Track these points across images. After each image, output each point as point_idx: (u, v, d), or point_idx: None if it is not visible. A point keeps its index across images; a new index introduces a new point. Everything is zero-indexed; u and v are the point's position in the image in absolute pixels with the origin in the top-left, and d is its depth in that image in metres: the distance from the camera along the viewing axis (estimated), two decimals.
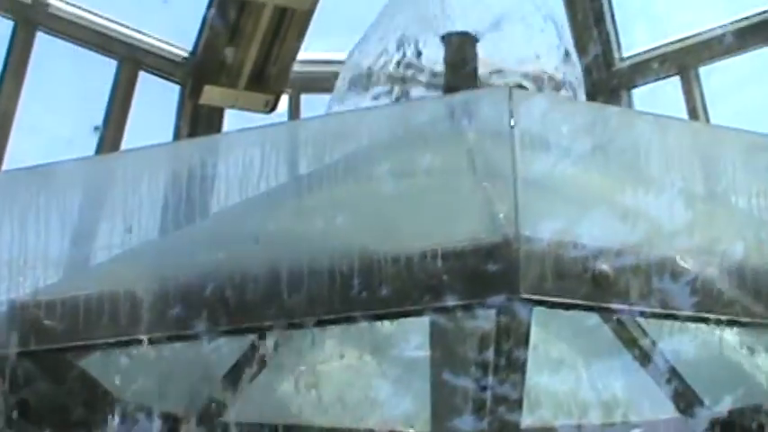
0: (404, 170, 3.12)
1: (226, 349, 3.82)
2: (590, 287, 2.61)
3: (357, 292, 2.69)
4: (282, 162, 3.08)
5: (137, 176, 3.19)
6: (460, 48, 4.38)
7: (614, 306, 2.65)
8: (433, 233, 2.78)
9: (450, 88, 4.31)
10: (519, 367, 2.78)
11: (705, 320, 2.75)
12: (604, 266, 2.62)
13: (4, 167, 7.23)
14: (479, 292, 2.58)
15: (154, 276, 3.05)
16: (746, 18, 7.80)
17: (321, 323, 2.80)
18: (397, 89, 4.41)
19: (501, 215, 2.67)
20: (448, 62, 4.38)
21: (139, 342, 2.91)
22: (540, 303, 2.57)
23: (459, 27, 4.41)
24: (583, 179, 3.02)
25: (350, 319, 2.78)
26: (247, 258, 3.01)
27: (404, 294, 2.63)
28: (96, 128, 7.13)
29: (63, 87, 7.94)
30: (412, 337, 3.76)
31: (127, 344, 2.99)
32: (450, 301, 2.60)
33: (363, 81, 4.44)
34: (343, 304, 2.71)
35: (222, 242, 3.20)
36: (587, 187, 3.02)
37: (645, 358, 3.93)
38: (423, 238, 2.73)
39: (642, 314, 2.90)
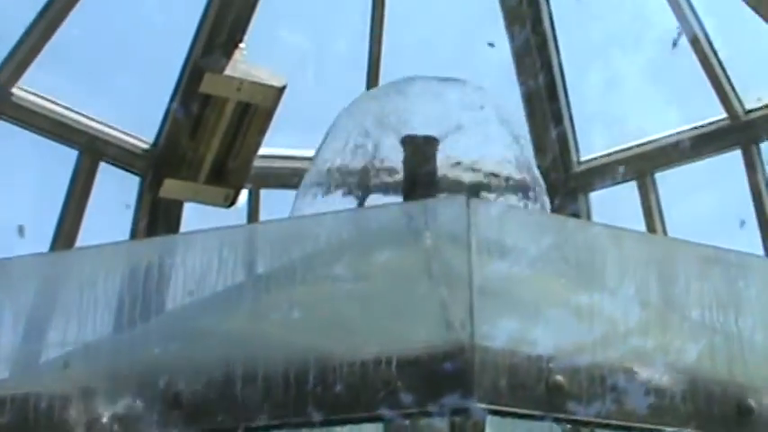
0: (361, 274, 3.13)
1: None
2: (544, 396, 2.62)
3: (311, 396, 2.69)
4: (239, 263, 3.09)
5: (92, 274, 3.18)
6: (420, 150, 4.42)
7: (568, 417, 2.66)
8: (389, 338, 2.79)
9: (409, 191, 4.35)
10: None
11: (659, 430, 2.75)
12: (558, 376, 2.64)
13: None
14: (433, 400, 2.58)
15: (106, 374, 3.04)
16: (702, 126, 7.94)
17: (274, 426, 2.78)
18: (357, 190, 4.44)
19: (456, 322, 2.68)
20: (407, 164, 4.42)
21: None
22: (495, 412, 2.58)
23: (419, 130, 4.46)
24: (538, 286, 3.05)
25: (303, 423, 2.76)
26: (202, 357, 3.01)
27: (358, 399, 2.63)
28: (20, 228, 7.01)
29: (23, 176, 7.93)
30: None
31: None
32: (404, 408, 2.60)
33: (325, 182, 4.47)
34: (296, 407, 2.71)
35: (176, 341, 3.19)
36: (542, 294, 3.04)
37: None
38: (378, 342, 2.74)
39: (596, 425, 2.90)
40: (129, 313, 3.15)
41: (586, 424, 2.80)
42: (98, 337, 3.18)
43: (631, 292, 3.07)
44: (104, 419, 2.88)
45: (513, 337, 2.72)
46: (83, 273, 3.26)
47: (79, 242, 7.65)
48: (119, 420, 2.89)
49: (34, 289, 3.34)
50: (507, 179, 4.35)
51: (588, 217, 8.19)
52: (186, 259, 3.19)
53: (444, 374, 2.59)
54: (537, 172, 4.35)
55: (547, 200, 4.33)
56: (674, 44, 7.57)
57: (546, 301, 3.00)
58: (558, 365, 2.64)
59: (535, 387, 2.62)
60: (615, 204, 8.38)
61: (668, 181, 8.10)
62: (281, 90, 7.34)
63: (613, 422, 2.71)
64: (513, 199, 4.25)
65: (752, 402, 2.85)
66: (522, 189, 4.34)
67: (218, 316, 3.18)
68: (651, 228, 7.86)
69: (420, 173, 4.35)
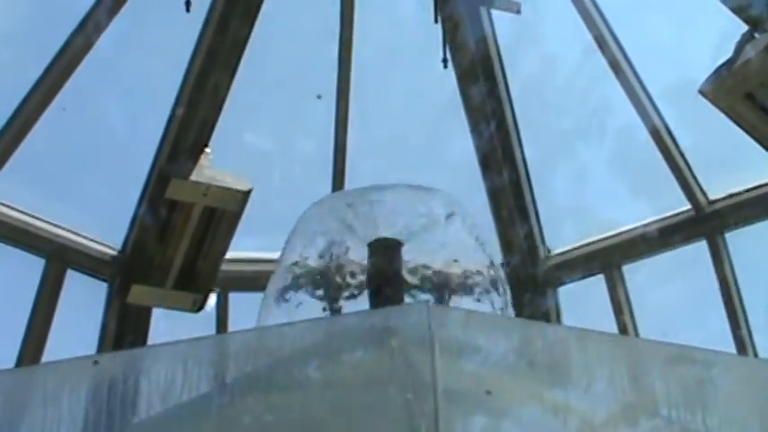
0: (327, 381, 3.13)
1: None
2: None
3: None
4: (205, 375, 3.09)
5: (57, 389, 3.17)
6: (386, 253, 4.44)
7: None
8: None
9: (374, 294, 4.36)
10: None
11: None
12: None
13: None
14: None
15: None
16: (667, 217, 8.00)
17: None
18: (322, 293, 4.45)
19: (423, 429, 2.68)
20: (373, 267, 4.44)
21: None
22: None
23: (383, 232, 4.49)
24: (501, 388, 3.05)
25: None
26: None
27: None
28: None
29: None
30: None
31: None
32: None
33: (289, 287, 4.48)
34: None
35: None
36: (507, 396, 3.04)
37: None
38: None
39: None
40: (94, 428, 3.13)
41: None
42: None
43: (598, 391, 3.07)
44: None
45: None
46: (48, 388, 3.24)
47: (48, 349, 7.59)
48: None
49: (2, 404, 3.32)
50: (472, 282, 4.38)
51: (557, 312, 8.21)
52: (152, 372, 3.18)
53: None
54: (501, 273, 4.37)
55: (509, 301, 4.35)
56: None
57: (512, 402, 3.00)
58: None
59: None
60: (584, 298, 8.40)
61: (636, 273, 8.14)
62: (247, 194, 7.37)
63: None
64: (475, 301, 4.27)
65: None
66: (486, 290, 4.37)
67: (186, 428, 3.16)
68: (620, 320, 7.88)
69: (385, 276, 4.37)
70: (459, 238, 4.50)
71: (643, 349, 3.30)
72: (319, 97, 7.98)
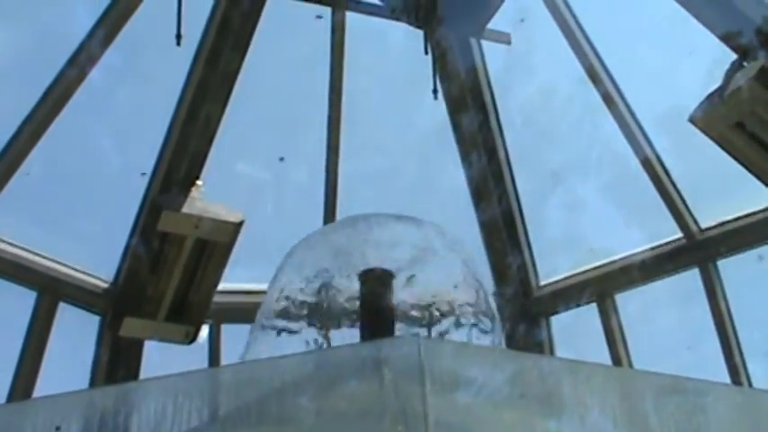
0: (318, 414, 3.12)
1: None
2: None
3: None
4: (196, 409, 3.08)
5: (49, 424, 3.15)
6: (377, 284, 4.44)
7: None
8: None
9: (366, 325, 4.36)
10: None
11: None
12: None
13: None
14: None
15: None
16: (659, 246, 8.01)
17: None
18: (313, 325, 4.45)
19: None
20: (364, 299, 4.43)
21: None
22: None
23: (374, 263, 4.49)
24: (493, 421, 3.04)
25: None
26: None
27: None
28: None
29: None
30: None
31: None
32: None
33: (280, 318, 4.47)
34: None
35: None
36: (499, 428, 3.04)
37: None
38: None
39: None
40: None
41: None
42: None
43: (591, 422, 3.07)
44: None
45: None
46: (39, 423, 3.23)
47: (40, 382, 7.57)
48: None
49: None
50: (463, 313, 4.38)
51: (550, 342, 8.21)
52: (144, 406, 3.17)
53: None
54: (493, 303, 4.37)
55: (500, 332, 4.34)
56: None
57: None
58: None
59: None
60: (577, 327, 8.41)
61: (629, 301, 8.15)
62: (239, 226, 7.37)
63: None
64: (467, 332, 4.27)
65: None
66: (478, 322, 4.36)
67: None
68: (613, 350, 7.88)
69: (376, 307, 4.36)
70: (450, 269, 4.50)
71: (636, 380, 3.29)
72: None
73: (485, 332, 4.38)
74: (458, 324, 4.35)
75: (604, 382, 3.11)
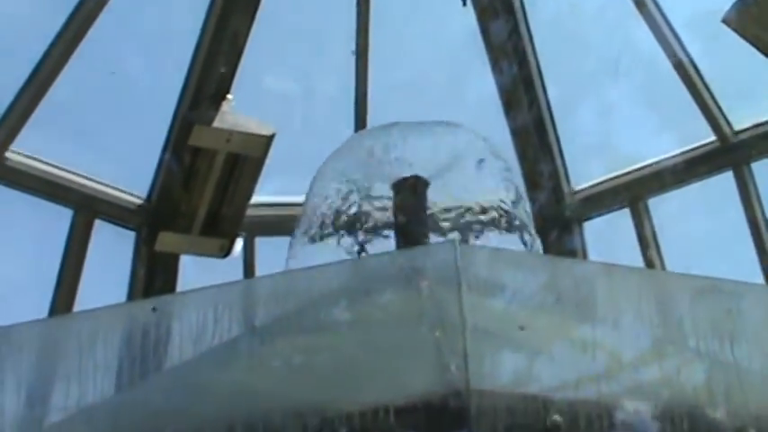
0: (356, 323, 3.15)
1: None
2: None
3: None
4: (235, 319, 3.12)
5: (91, 337, 3.21)
6: (412, 192, 4.45)
7: None
8: (387, 386, 2.80)
9: (401, 233, 4.38)
10: None
11: None
12: (556, 417, 2.66)
13: None
14: None
15: None
16: (692, 150, 7.97)
17: None
18: (350, 235, 4.47)
19: (452, 366, 2.70)
20: (399, 207, 4.45)
21: None
22: None
23: (409, 170, 4.49)
24: (530, 325, 3.07)
25: None
26: (202, 412, 3.03)
27: None
28: None
29: (20, 236, 7.96)
30: None
31: None
32: None
33: (317, 228, 4.50)
34: None
35: (177, 397, 3.21)
36: (535, 333, 3.06)
37: None
38: (376, 391, 2.76)
39: None
40: (128, 373, 3.18)
41: None
42: (99, 398, 3.20)
43: (626, 326, 3.09)
44: None
45: (509, 378, 2.74)
46: (82, 336, 3.28)
47: (79, 299, 7.67)
48: None
49: (36, 354, 3.37)
50: (498, 217, 4.39)
51: (583, 247, 8.21)
52: (183, 318, 3.22)
53: (442, 420, 2.61)
54: (528, 207, 4.38)
55: (536, 237, 4.36)
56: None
57: (540, 339, 3.02)
58: (556, 405, 2.66)
59: (533, 428, 2.64)
60: (610, 232, 8.40)
61: (662, 206, 8.13)
62: (270, 139, 7.38)
63: None
64: (503, 237, 4.28)
65: (751, 430, 2.86)
66: (513, 226, 4.38)
67: (217, 371, 3.20)
68: (647, 255, 7.88)
69: (411, 215, 4.38)
70: (485, 174, 4.50)
71: (671, 282, 3.31)
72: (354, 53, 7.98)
73: (520, 238, 4.40)
74: (492, 229, 4.37)
75: (639, 285, 3.13)
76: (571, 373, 2.87)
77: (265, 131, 7.39)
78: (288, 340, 3.14)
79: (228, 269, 7.84)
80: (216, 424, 2.90)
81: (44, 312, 7.52)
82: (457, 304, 2.72)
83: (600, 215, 8.27)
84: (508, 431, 2.61)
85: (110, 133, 8.04)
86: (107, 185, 7.79)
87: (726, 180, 7.92)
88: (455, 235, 4.38)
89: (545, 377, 2.82)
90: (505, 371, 2.84)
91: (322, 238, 4.51)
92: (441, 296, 2.90)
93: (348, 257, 4.24)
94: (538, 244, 4.47)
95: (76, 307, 7.62)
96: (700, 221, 8.27)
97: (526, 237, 4.37)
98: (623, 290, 3.13)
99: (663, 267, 7.91)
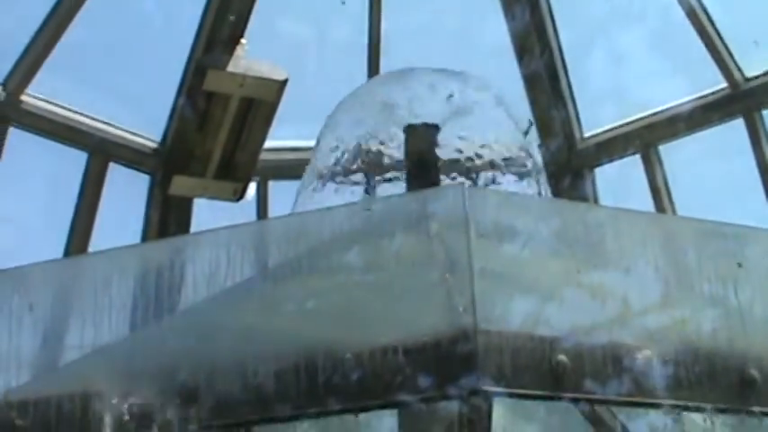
0: (366, 265, 3.21)
1: None
2: (548, 377, 2.69)
3: (323, 386, 2.77)
4: (248, 260, 3.17)
5: (106, 277, 3.27)
6: (422, 137, 4.49)
7: (573, 395, 2.73)
8: (396, 326, 2.86)
9: (412, 177, 4.42)
10: None
11: (662, 406, 2.83)
12: (562, 357, 2.71)
13: None
14: (440, 386, 2.66)
15: (123, 373, 3.12)
16: (703, 96, 7.98)
17: (286, 418, 2.87)
18: (360, 179, 4.52)
19: (460, 307, 2.75)
20: (410, 152, 4.49)
21: None
22: (499, 394, 2.65)
23: (420, 116, 4.53)
24: (538, 269, 3.12)
25: (318, 413, 2.85)
26: (216, 353, 3.09)
27: (367, 389, 2.71)
28: None
29: (35, 179, 8.03)
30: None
31: None
32: (414, 395, 2.68)
33: (328, 172, 4.54)
34: (310, 398, 2.79)
35: (191, 337, 3.27)
36: (544, 277, 3.12)
37: None
38: (385, 331, 2.82)
39: (601, 402, 2.98)
40: (143, 314, 3.24)
41: (590, 402, 2.88)
42: (114, 338, 3.27)
43: (631, 269, 3.14)
44: (123, 418, 2.97)
45: (516, 319, 2.80)
46: (97, 277, 3.34)
47: (93, 241, 7.76)
48: (137, 418, 2.97)
49: (51, 294, 3.43)
50: (506, 162, 4.43)
51: (595, 194, 8.25)
52: (197, 259, 3.28)
53: (450, 360, 2.67)
54: (537, 154, 4.42)
55: (545, 182, 4.40)
56: None
57: (547, 281, 3.07)
58: (562, 345, 2.71)
59: (539, 368, 2.69)
60: (621, 179, 8.44)
61: (673, 153, 8.15)
62: (283, 83, 7.42)
63: (616, 399, 2.79)
64: (512, 181, 4.33)
65: (754, 373, 2.91)
66: (521, 171, 4.42)
67: (231, 311, 3.26)
68: (657, 201, 7.92)
69: (422, 160, 4.42)
70: (493, 120, 4.54)
71: (679, 227, 3.35)
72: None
73: (530, 182, 4.44)
74: (502, 174, 4.41)
75: (648, 229, 3.17)
76: (578, 316, 2.93)
77: (278, 76, 7.43)
78: (299, 282, 3.20)
79: (242, 213, 7.92)
80: (227, 365, 2.95)
81: (59, 256, 7.61)
82: (465, 247, 2.77)
83: (611, 161, 8.30)
84: (515, 371, 2.66)
85: (124, 77, 8.09)
86: (122, 129, 7.85)
87: (737, 127, 7.94)
88: (464, 179, 4.43)
89: (552, 319, 2.87)
90: (513, 313, 2.89)
91: (332, 181, 4.56)
92: (449, 239, 2.94)
93: (357, 200, 4.29)
94: (547, 189, 4.51)
95: (91, 250, 7.70)
96: (711, 168, 8.29)
97: (535, 182, 4.42)
98: (632, 233, 3.18)
99: (674, 213, 7.96)
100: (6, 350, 3.20)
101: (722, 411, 2.92)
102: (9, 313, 3.24)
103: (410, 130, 4.50)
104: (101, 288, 3.27)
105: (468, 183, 4.32)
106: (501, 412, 3.77)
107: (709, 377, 2.88)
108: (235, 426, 3.17)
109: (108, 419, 2.97)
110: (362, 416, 3.98)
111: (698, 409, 2.90)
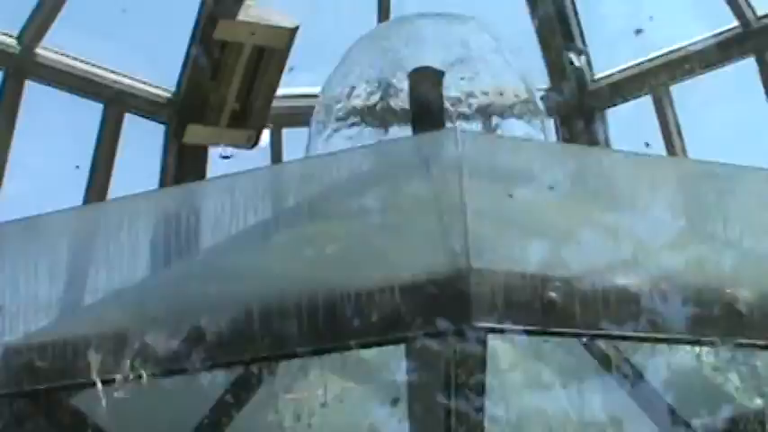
0: (368, 208, 3.31)
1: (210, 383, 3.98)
2: (539, 314, 2.79)
3: (322, 326, 2.88)
4: (258, 205, 3.28)
5: (122, 224, 3.37)
6: (427, 82, 4.57)
7: (562, 330, 2.83)
8: (395, 266, 2.96)
9: (417, 122, 4.51)
10: (478, 391, 2.96)
11: (647, 340, 2.93)
12: (552, 294, 2.80)
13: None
14: (435, 323, 2.76)
15: (138, 316, 3.23)
16: (713, 36, 7.98)
17: (288, 356, 2.98)
18: (366, 123, 4.60)
19: (455, 247, 2.85)
20: (414, 96, 4.57)
21: (125, 380, 3.08)
22: (492, 330, 2.75)
23: (427, 61, 4.61)
24: (530, 210, 3.21)
25: (315, 351, 2.96)
26: (226, 294, 3.20)
27: (365, 326, 2.82)
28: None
29: (52, 131, 8.13)
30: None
31: (114, 381, 3.15)
32: (409, 332, 2.79)
33: (336, 117, 4.63)
34: (310, 337, 2.90)
35: (204, 281, 3.38)
36: (535, 217, 3.21)
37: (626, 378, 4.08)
38: (383, 271, 2.92)
39: (591, 337, 3.08)
40: (159, 259, 3.35)
41: (580, 337, 2.98)
42: (131, 282, 3.38)
43: (646, 212, 3.22)
44: (139, 358, 3.07)
45: (508, 259, 2.90)
46: (114, 223, 3.44)
47: (111, 191, 7.87)
48: (153, 358, 3.07)
49: (70, 241, 3.53)
50: (512, 106, 4.51)
51: (606, 135, 8.30)
52: (210, 204, 3.38)
53: (445, 298, 2.77)
54: (538, 99, 4.50)
55: (547, 126, 4.48)
56: None
57: (539, 225, 3.17)
58: (551, 283, 2.81)
59: (531, 305, 2.79)
60: (632, 120, 8.47)
61: (685, 93, 8.17)
62: (294, 31, 7.48)
63: (606, 333, 2.88)
64: (515, 123, 4.41)
65: (741, 306, 2.99)
66: (527, 114, 4.50)
67: (243, 254, 3.37)
68: (668, 142, 7.96)
69: (426, 105, 4.50)
70: (497, 66, 4.61)
71: (691, 169, 3.41)
72: None
73: (535, 126, 4.52)
74: (508, 118, 4.50)
75: (660, 172, 3.24)
76: (569, 253, 3.02)
77: (289, 24, 7.49)
78: (304, 226, 3.30)
79: (256, 160, 8.01)
80: (239, 305, 3.06)
81: (79, 204, 7.71)
82: (458, 189, 2.86)
83: (623, 102, 8.34)
84: (507, 307, 2.76)
85: (138, 28, 8.16)
86: (136, 80, 7.93)
87: (749, 66, 7.95)
88: (470, 124, 4.51)
89: (543, 257, 2.97)
90: (506, 252, 2.99)
91: (340, 125, 4.64)
92: (445, 181, 3.03)
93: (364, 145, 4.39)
94: (552, 132, 4.59)
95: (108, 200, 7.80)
96: (723, 108, 8.32)
97: (538, 123, 4.50)
98: (641, 175, 3.25)
99: (684, 154, 8.01)
100: (26, 296, 3.31)
101: (712, 344, 3.02)
102: (27, 260, 3.35)
103: (415, 74, 4.58)
104: (119, 234, 3.37)
105: (472, 126, 4.41)
106: (516, 352, 3.91)
107: (698, 310, 2.95)
108: (246, 363, 3.30)
109: (125, 360, 3.08)
110: (377, 356, 4.12)
111: (684, 342, 3.00)
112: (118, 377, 2.99)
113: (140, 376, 3.01)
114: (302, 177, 3.40)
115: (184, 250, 3.37)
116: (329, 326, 2.88)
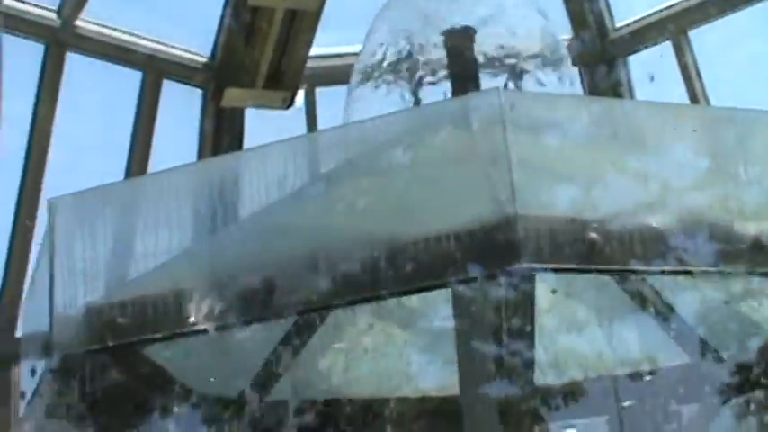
0: (415, 163, 3.56)
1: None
2: (581, 253, 3.06)
3: (385, 272, 3.14)
4: (303, 170, 3.53)
5: (175, 193, 3.61)
6: (461, 39, 4.78)
7: (602, 267, 3.11)
8: (447, 216, 3.22)
9: (453, 79, 4.73)
10: (528, 330, 3.25)
11: (683, 273, 3.19)
12: (593, 234, 3.08)
13: (46, 178, 7.70)
14: (487, 266, 3.04)
15: (207, 273, 3.49)
16: None
17: (353, 302, 3.25)
18: (403, 82, 4.82)
19: (502, 196, 3.11)
20: (450, 54, 4.79)
21: (197, 332, 3.34)
22: (539, 270, 3.03)
23: (455, 18, 4.82)
24: (571, 159, 3.47)
25: (381, 296, 3.23)
26: (285, 250, 3.46)
27: (422, 272, 3.09)
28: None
29: (94, 101, 8.34)
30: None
31: (187, 334, 3.41)
32: (461, 276, 3.06)
33: (373, 77, 4.85)
34: (371, 284, 3.16)
35: (263, 238, 3.64)
36: (575, 167, 3.47)
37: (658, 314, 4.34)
38: (438, 221, 3.18)
39: (631, 272, 3.35)
40: (211, 222, 3.60)
41: (616, 272, 3.25)
42: (194, 244, 3.63)
43: (671, 157, 3.46)
44: (209, 312, 3.33)
45: (551, 205, 3.17)
46: (162, 193, 3.67)
47: (152, 156, 8.09)
48: (221, 313, 3.34)
49: (125, 210, 3.77)
50: (537, 57, 4.72)
51: (629, 81, 8.47)
52: (254, 170, 3.62)
53: (494, 243, 3.04)
54: (567, 53, 4.72)
55: (576, 79, 4.68)
56: None
57: (579, 173, 3.42)
58: (592, 225, 3.08)
59: (573, 246, 3.06)
60: (654, 66, 8.61)
61: (705, 38, 8.30)
62: None
63: (643, 269, 3.15)
64: (545, 76, 4.63)
65: (764, 239, 3.25)
66: (555, 71, 4.72)
67: (296, 212, 3.62)
68: (689, 86, 8.13)
69: (461, 62, 4.72)
70: (524, 16, 4.83)
71: (713, 116, 3.62)
72: None
73: (562, 81, 4.74)
74: (537, 70, 4.72)
75: (683, 118, 3.47)
76: (607, 199, 3.28)
77: None
78: (356, 181, 3.55)
79: (291, 121, 8.22)
80: (296, 260, 3.32)
81: (121, 174, 7.97)
82: (503, 142, 3.12)
83: (644, 48, 8.50)
84: (553, 248, 3.03)
85: None
86: (172, 46, 8.14)
87: (766, 9, 8.06)
88: (504, 78, 4.73)
89: (585, 203, 3.23)
90: (550, 199, 3.25)
91: (377, 83, 4.85)
92: (490, 136, 3.27)
93: (404, 105, 4.61)
94: (576, 81, 4.78)
95: (151, 165, 8.04)
96: (743, 52, 8.43)
97: (566, 75, 4.72)
98: (665, 123, 3.49)
99: (706, 99, 8.16)
100: (92, 261, 3.56)
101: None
102: (91, 227, 3.59)
103: (449, 33, 4.79)
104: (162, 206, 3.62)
105: (505, 82, 4.63)
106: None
107: (723, 244, 3.21)
108: (307, 312, 3.56)
109: (197, 315, 3.33)
110: (419, 304, 4.39)
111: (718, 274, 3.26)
112: (203, 326, 3.23)
113: (223, 326, 3.27)
114: (346, 140, 3.64)
115: (233, 214, 3.61)
116: (390, 272, 3.14)
